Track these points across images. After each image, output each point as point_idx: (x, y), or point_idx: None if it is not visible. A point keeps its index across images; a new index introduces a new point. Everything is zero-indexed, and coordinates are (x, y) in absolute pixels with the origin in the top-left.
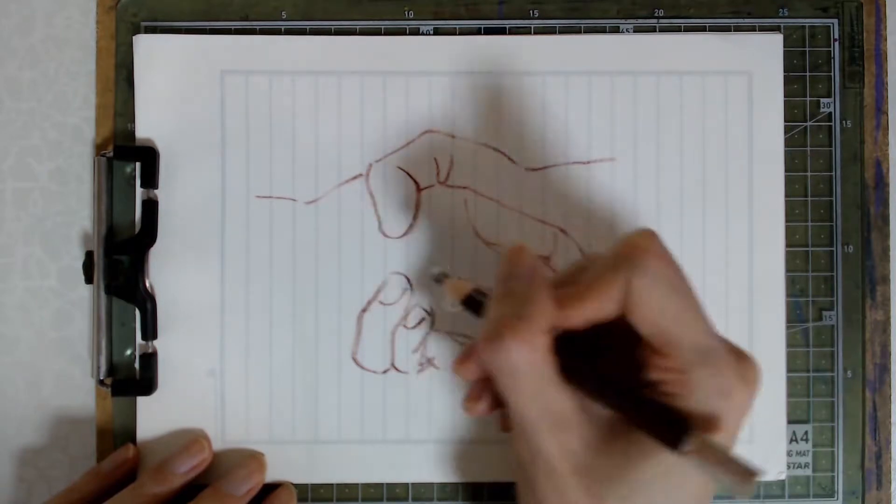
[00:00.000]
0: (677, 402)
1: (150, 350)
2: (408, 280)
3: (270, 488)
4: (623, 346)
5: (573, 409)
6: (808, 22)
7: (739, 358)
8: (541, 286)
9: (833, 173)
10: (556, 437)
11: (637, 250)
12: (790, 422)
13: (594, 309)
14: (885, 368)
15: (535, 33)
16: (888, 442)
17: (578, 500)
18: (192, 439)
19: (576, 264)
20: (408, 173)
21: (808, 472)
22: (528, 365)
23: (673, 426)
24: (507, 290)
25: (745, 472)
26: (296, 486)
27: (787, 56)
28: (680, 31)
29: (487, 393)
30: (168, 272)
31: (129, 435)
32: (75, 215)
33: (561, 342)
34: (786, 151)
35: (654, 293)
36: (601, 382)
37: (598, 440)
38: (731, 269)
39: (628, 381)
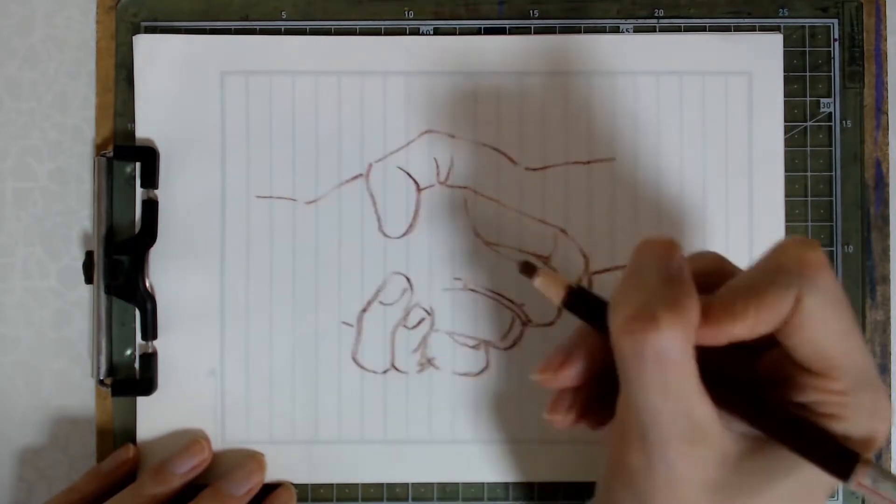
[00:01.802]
0: (835, 426)
1: (150, 350)
2: (408, 280)
3: (270, 488)
4: (744, 363)
5: (713, 420)
6: (808, 22)
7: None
8: (687, 284)
9: (833, 173)
10: (689, 448)
11: (808, 266)
12: None
13: (749, 326)
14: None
15: (535, 33)
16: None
17: None
18: (191, 440)
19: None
20: (408, 173)
21: None
22: (679, 354)
23: (841, 454)
24: (659, 278)
25: None
26: (296, 486)
27: (787, 56)
28: (680, 31)
29: (578, 401)
30: (168, 272)
31: (129, 435)
32: (75, 215)
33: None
34: (786, 151)
35: (826, 313)
36: (752, 402)
37: (735, 457)
38: None
39: (777, 401)
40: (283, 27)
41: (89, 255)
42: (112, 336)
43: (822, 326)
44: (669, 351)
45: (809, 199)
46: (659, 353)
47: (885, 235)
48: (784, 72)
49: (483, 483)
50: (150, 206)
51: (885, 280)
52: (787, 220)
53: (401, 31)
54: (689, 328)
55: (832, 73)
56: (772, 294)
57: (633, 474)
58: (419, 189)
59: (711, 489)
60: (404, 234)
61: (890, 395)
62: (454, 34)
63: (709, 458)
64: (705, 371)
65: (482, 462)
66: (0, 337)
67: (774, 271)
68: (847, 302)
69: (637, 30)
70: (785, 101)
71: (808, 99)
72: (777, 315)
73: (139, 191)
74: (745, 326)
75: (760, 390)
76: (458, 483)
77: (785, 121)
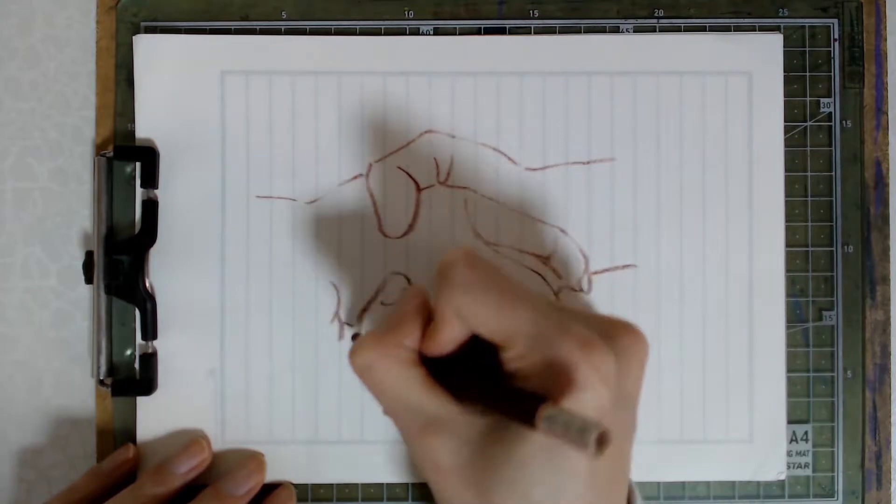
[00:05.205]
0: (528, 384)
1: (150, 350)
2: (408, 280)
3: (270, 488)
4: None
5: (449, 412)
6: (807, 22)
7: (605, 326)
8: (408, 314)
9: (833, 173)
10: (430, 437)
11: (444, 270)
12: (790, 422)
13: (447, 333)
14: (885, 368)
15: (535, 33)
16: (888, 442)
17: (461, 493)
18: (191, 440)
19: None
20: (408, 173)
21: (808, 472)
22: (381, 368)
23: (525, 403)
24: (391, 316)
25: (587, 428)
26: (296, 486)
27: (787, 56)
28: (680, 31)
29: None
30: (168, 272)
31: (129, 435)
32: (75, 215)
33: (447, 361)
34: (786, 151)
35: (467, 301)
36: (468, 385)
37: (479, 436)
38: (731, 269)
39: (499, 379)
40: (283, 27)
41: (89, 255)
42: (112, 336)
43: (472, 313)
44: (369, 365)
45: (809, 199)
46: (361, 368)
47: (885, 235)
48: (784, 72)
49: None
50: (150, 206)
51: (885, 280)
52: (787, 220)
53: (401, 31)
54: (384, 347)
55: (832, 73)
56: (438, 306)
57: (414, 461)
58: (419, 189)
59: (462, 467)
60: (404, 234)
61: (621, 343)
62: (454, 34)
63: (452, 442)
64: (452, 371)
65: None
66: (0, 337)
67: (436, 285)
68: (500, 283)
69: (637, 30)
70: (785, 101)
71: (808, 99)
72: (450, 319)
73: (139, 191)
74: (445, 334)
75: (502, 379)
76: None
77: (785, 121)
